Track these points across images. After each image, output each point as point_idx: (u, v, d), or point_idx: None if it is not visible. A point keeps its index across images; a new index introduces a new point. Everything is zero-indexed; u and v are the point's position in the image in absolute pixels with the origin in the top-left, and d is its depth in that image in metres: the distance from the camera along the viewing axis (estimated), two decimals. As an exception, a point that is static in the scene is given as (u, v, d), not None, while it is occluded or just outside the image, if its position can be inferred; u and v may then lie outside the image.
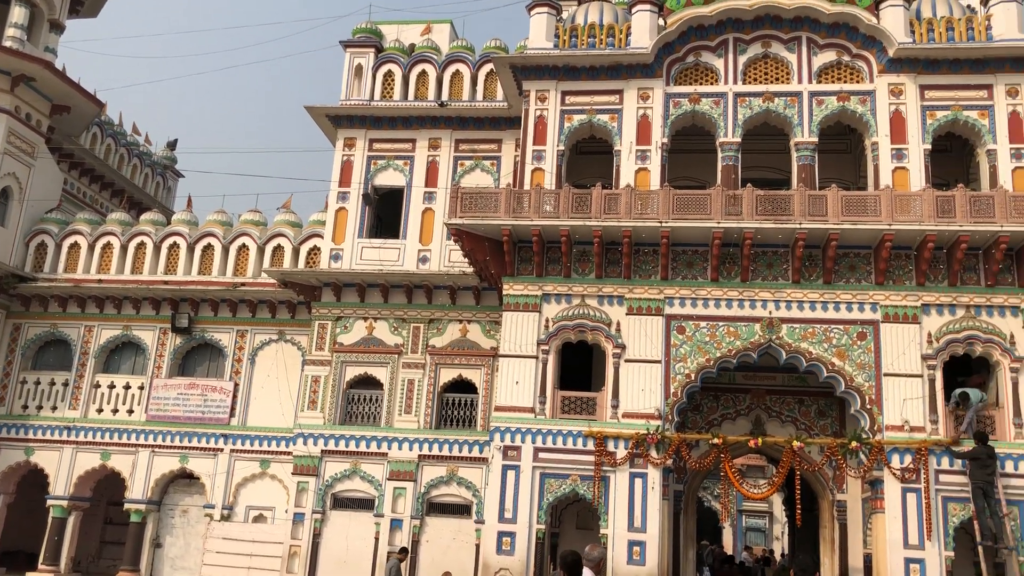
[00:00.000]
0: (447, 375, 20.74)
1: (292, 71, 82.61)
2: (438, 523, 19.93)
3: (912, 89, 18.38)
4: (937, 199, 16.88)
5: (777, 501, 35.25)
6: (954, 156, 19.78)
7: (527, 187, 18.78)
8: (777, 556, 32.96)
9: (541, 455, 17.57)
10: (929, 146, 18.17)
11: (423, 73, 22.83)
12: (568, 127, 19.42)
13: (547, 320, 18.29)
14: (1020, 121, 17.92)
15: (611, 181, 19.00)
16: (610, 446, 17.36)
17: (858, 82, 18.71)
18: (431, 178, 21.94)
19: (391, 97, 22.74)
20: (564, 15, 20.47)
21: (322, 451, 20.43)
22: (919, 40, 18.47)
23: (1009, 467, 16.30)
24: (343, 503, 20.26)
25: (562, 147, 19.32)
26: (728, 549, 36.55)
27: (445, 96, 22.49)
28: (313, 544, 19.94)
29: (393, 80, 22.88)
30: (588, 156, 20.92)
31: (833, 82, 18.81)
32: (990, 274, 17.08)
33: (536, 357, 18.10)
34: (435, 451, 20.12)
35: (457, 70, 22.74)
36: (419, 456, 20.10)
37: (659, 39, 19.12)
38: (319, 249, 22.13)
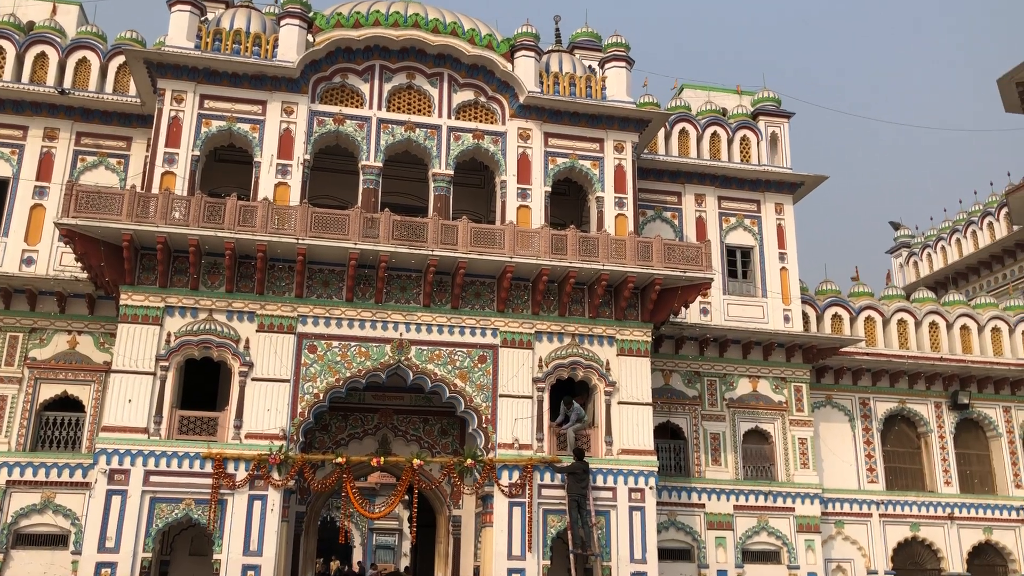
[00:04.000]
0: (49, 391, 18.62)
1: None
2: (26, 556, 17.72)
3: (538, 135, 20.04)
4: (553, 237, 18.50)
5: (406, 518, 36.19)
6: (571, 199, 21.82)
7: (156, 191, 17.61)
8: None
9: (153, 479, 16.42)
10: (550, 188, 19.88)
11: (42, 55, 20.56)
12: (206, 132, 18.56)
13: (169, 334, 17.22)
14: (623, 173, 20.25)
15: (250, 193, 18.45)
16: (230, 468, 16.69)
17: (492, 123, 20.01)
18: (44, 171, 19.74)
19: (1, 77, 20.19)
20: (210, 16, 19.63)
21: None
22: (546, 91, 20.20)
23: (600, 481, 18.18)
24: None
25: (197, 152, 18.41)
26: (357, 568, 36.81)
27: (68, 84, 20.43)
28: None
29: (4, 58, 20.35)
30: (227, 165, 20.17)
31: (470, 120, 19.94)
32: (592, 307, 19.04)
33: (154, 374, 16.94)
34: (28, 476, 17.93)
35: (84, 57, 20.78)
36: (7, 482, 17.80)
37: (307, 55, 19.01)
38: None
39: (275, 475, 16.77)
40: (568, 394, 18.88)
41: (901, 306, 24.31)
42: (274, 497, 16.75)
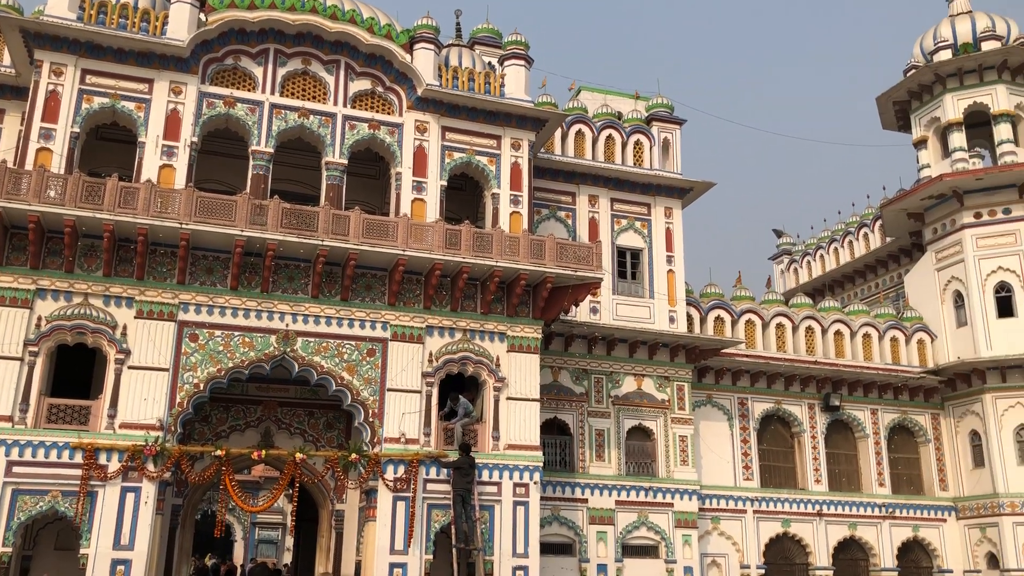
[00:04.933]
0: (-95, 375, 17.46)
1: None
2: None
3: (435, 128, 19.96)
4: (447, 232, 18.47)
5: (290, 512, 35.49)
6: (467, 195, 21.82)
7: (30, 167, 16.74)
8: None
9: (17, 469, 15.63)
10: (445, 183, 19.84)
11: (-93, 16, 19.22)
12: (87, 109, 17.75)
13: (40, 318, 16.43)
14: (519, 171, 20.40)
15: (132, 174, 17.75)
16: (102, 459, 16.04)
17: (389, 113, 19.83)
18: (-94, 141, 18.52)
19: None
20: (95, -13, 18.74)
21: None
22: (445, 85, 20.13)
23: (486, 476, 18.27)
24: None
25: (77, 129, 17.60)
26: (239, 562, 35.92)
27: (-65, 48, 19.20)
28: None
29: None
30: (110, 144, 19.37)
31: (367, 109, 19.70)
32: (485, 303, 19.12)
33: (22, 360, 16.14)
34: None
35: (-46, 21, 19.53)
36: None
37: (198, 35, 18.40)
38: None
39: (150, 467, 16.20)
40: (457, 389, 18.91)
41: (780, 311, 25.31)
42: (148, 489, 16.19)
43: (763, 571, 22.91)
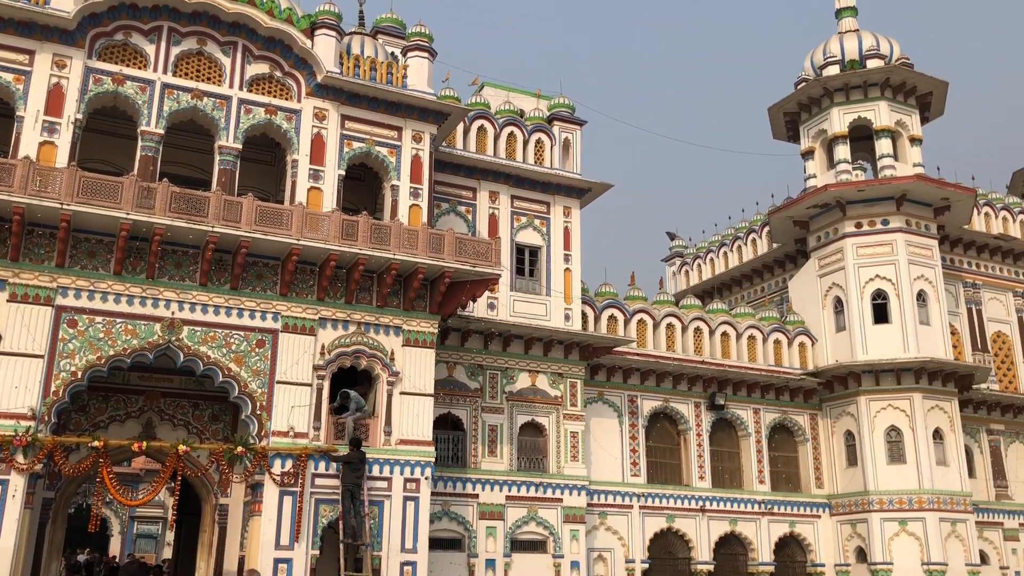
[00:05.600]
0: None
1: None
2: None
3: (335, 117, 19.60)
4: (344, 222, 18.17)
5: (172, 506, 34.38)
6: (366, 186, 21.53)
7: None
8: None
9: None
10: (344, 172, 19.51)
11: None
12: (-40, 78, 16.70)
13: (-100, 298, 15.38)
14: (420, 164, 20.23)
15: (9, 149, 16.81)
16: (-34, 450, 15.15)
17: (287, 99, 19.37)
18: None
19: None
20: (-28, -50, 17.64)
21: None
22: (346, 73, 19.79)
23: (376, 471, 18.10)
24: None
25: (-52, 100, 16.55)
26: (119, 557, 34.56)
27: None
28: None
29: None
30: (-16, 116, 18.25)
31: (264, 94, 19.19)
32: (381, 296, 18.91)
33: None
34: None
35: None
36: None
37: (85, 7, 17.55)
38: None
39: (19, 458, 15.40)
40: (350, 383, 18.65)
41: (671, 311, 25.93)
42: (17, 482, 15.39)
43: (647, 565, 23.45)
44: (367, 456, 17.84)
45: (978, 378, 26.64)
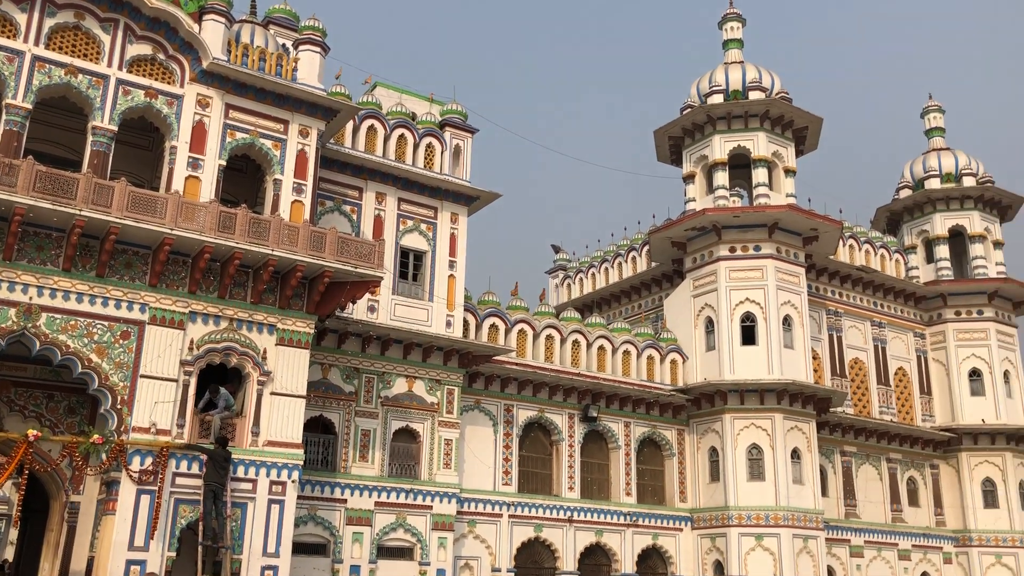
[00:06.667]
0: None
1: None
2: None
3: (218, 105, 19.00)
4: (221, 214, 17.61)
5: (16, 502, 32.41)
6: (248, 178, 20.94)
7: None
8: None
9: None
10: (225, 162, 18.92)
11: None
12: None
13: None
14: (306, 159, 19.83)
15: None
16: None
17: (169, 83, 18.65)
18: None
19: None
20: None
21: None
22: (234, 61, 19.21)
23: (241, 472, 17.57)
24: None
25: None
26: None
27: None
28: None
29: None
30: None
31: (144, 76, 18.43)
32: (256, 292, 18.40)
33: None
34: None
35: None
36: None
37: (-49, -34, 16.46)
38: None
39: None
40: (219, 380, 18.07)
41: (551, 323, 26.26)
42: None
43: (512, 574, 23.58)
44: (233, 456, 17.29)
45: (835, 402, 28.03)
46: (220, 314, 18.06)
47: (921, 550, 30.80)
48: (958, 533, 31.55)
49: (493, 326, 24.93)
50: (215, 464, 16.88)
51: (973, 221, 33.79)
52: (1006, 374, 32.51)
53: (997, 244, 34.14)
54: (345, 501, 20.85)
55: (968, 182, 34.04)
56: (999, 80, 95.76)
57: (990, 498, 31.50)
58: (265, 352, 18.38)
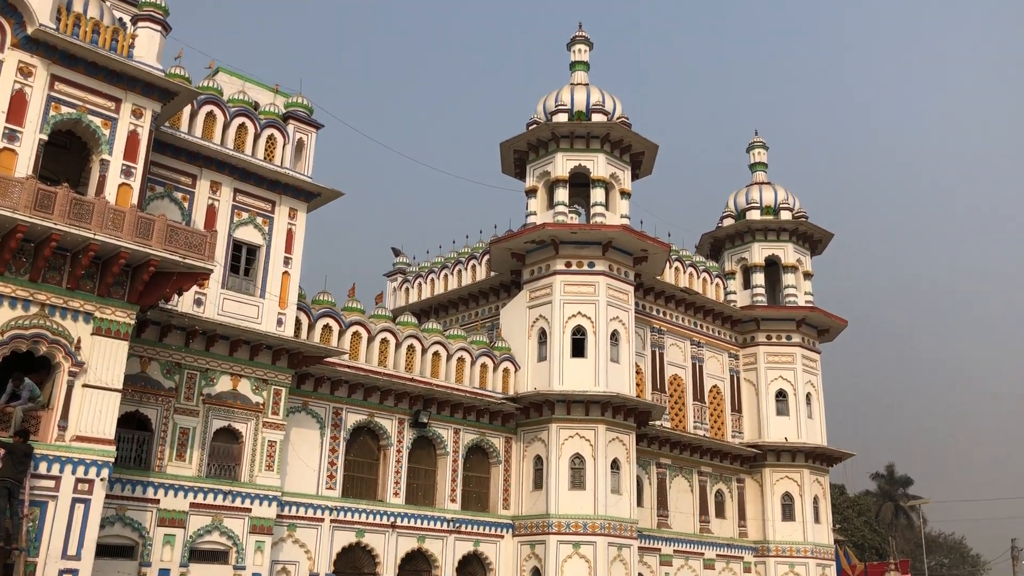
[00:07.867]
0: None
1: None
2: None
3: (43, 75, 17.76)
4: (39, 192, 16.46)
5: None
6: (73, 157, 19.64)
7: None
8: None
9: None
10: (46, 137, 17.71)
11: None
12: None
13: None
14: (137, 141, 18.84)
15: None
16: None
17: (-12, 47, 17.27)
18: None
19: None
20: None
21: None
22: (64, 30, 18.00)
23: (43, 468, 16.41)
24: None
25: None
26: None
27: None
28: None
29: None
30: None
31: (-41, 35, 16.98)
32: (73, 277, 17.29)
33: None
34: None
35: None
36: None
37: None
38: None
39: None
40: (25, 369, 16.82)
41: (387, 327, 26.09)
42: None
43: (331, 579, 23.24)
44: (35, 451, 16.14)
45: (654, 415, 29.34)
46: (31, 298, 16.85)
47: (725, 559, 32.70)
48: (758, 544, 33.72)
49: (327, 327, 24.50)
50: (13, 459, 15.69)
51: (787, 252, 36.33)
52: (808, 396, 35.13)
53: (807, 275, 36.83)
54: (158, 501, 19.89)
55: (785, 215, 36.64)
56: (822, 121, 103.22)
57: (788, 511, 33.88)
58: (79, 341, 17.29)
